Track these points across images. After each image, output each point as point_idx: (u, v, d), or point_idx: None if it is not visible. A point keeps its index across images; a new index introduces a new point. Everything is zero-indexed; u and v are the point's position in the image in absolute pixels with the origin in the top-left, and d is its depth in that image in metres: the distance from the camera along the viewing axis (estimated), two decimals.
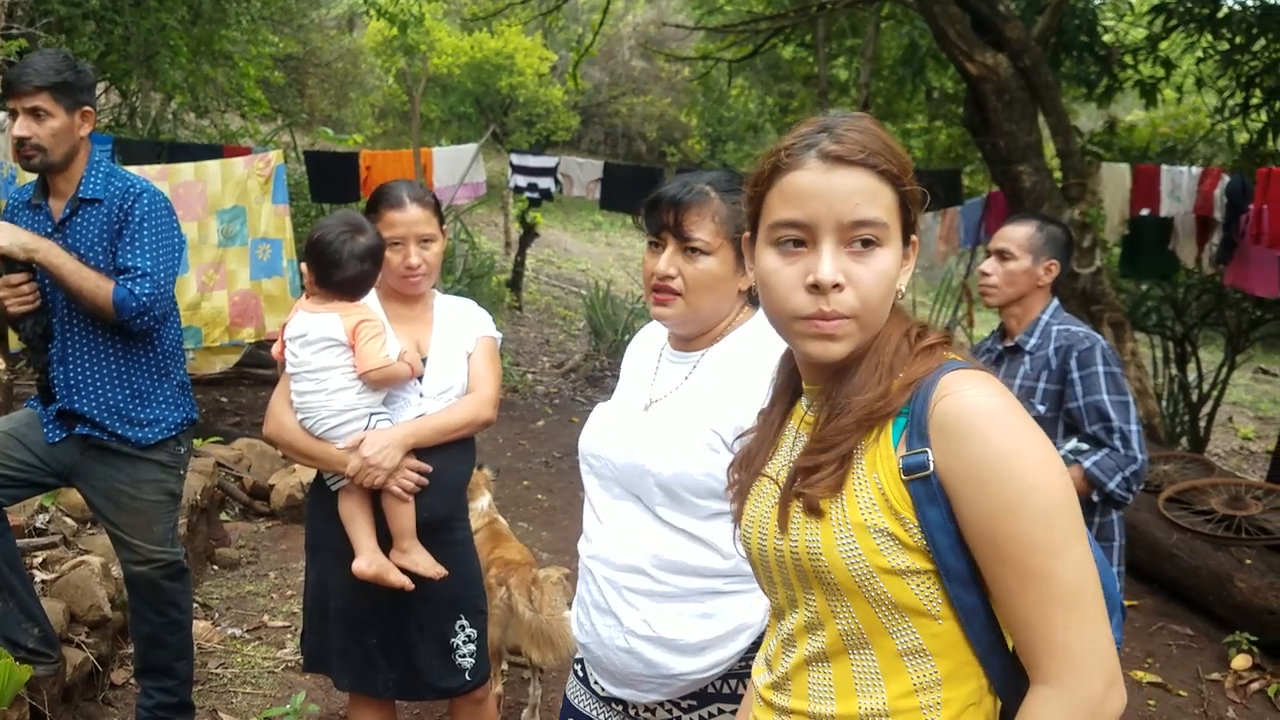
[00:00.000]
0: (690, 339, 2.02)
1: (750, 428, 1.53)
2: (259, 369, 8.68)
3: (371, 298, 2.78)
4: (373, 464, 2.55)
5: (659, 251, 1.94)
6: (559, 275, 17.66)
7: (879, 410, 1.27)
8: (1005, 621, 1.22)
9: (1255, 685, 4.52)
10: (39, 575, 3.71)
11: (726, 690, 1.92)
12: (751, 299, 2.04)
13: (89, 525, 4.31)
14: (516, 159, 9.33)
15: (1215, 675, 4.62)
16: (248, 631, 4.36)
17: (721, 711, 1.93)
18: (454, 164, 8.69)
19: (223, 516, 5.54)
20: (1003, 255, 3.25)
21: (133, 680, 3.68)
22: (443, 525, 2.75)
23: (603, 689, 2.04)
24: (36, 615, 3.19)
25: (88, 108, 3.06)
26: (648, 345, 2.17)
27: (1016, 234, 3.25)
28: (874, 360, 1.29)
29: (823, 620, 1.32)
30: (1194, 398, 9.17)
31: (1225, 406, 10.67)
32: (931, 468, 1.21)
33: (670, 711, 1.97)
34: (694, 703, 1.95)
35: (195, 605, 4.36)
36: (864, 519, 1.24)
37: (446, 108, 18.61)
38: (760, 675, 1.46)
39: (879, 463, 1.25)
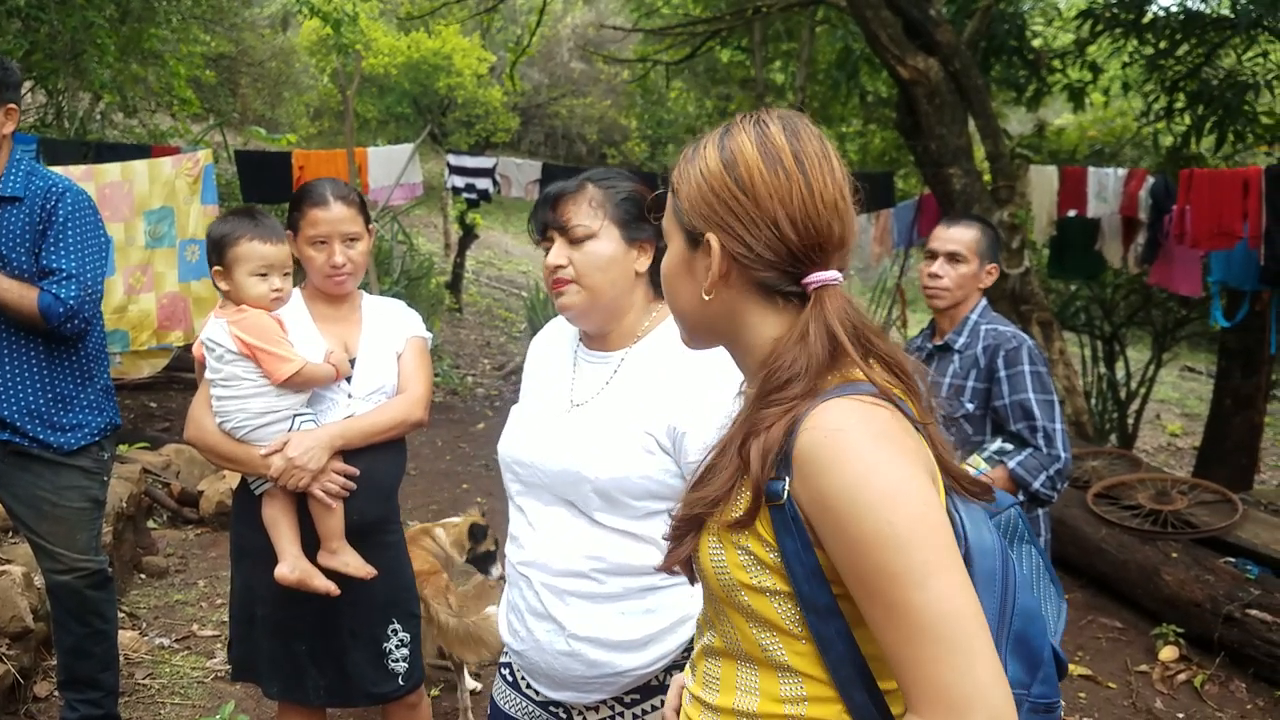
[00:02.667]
0: (603, 335, 2.03)
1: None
2: (188, 373, 8.51)
3: (296, 297, 2.74)
4: (297, 465, 2.49)
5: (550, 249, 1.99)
6: (499, 277, 17.57)
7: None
8: (884, 657, 1.18)
9: (1182, 676, 4.62)
10: None
11: (670, 682, 1.92)
12: (659, 291, 2.06)
13: (10, 534, 4.20)
14: (454, 159, 9.25)
15: (1143, 667, 4.72)
16: (176, 641, 4.27)
17: (664, 703, 1.93)
18: (390, 164, 8.59)
19: (150, 524, 5.42)
20: (954, 258, 3.24)
21: (56, 693, 3.59)
22: (373, 528, 2.70)
23: (539, 694, 2.03)
24: None
25: (11, 105, 2.99)
26: (555, 344, 2.16)
27: (966, 237, 3.25)
28: (732, 436, 1.30)
29: (711, 619, 1.36)
30: (1123, 395, 9.37)
31: (1153, 404, 10.93)
32: (785, 496, 1.20)
33: (613, 708, 1.97)
34: (637, 697, 1.95)
35: (122, 615, 4.26)
36: (731, 535, 1.26)
37: (384, 108, 18.40)
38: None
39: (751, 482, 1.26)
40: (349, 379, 2.67)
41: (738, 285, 1.31)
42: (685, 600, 1.90)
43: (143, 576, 4.89)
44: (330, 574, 2.57)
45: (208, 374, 2.60)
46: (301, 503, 2.60)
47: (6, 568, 3.75)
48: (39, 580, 3.79)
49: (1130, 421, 9.29)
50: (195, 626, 4.41)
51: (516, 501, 2.04)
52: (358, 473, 2.59)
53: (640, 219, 1.98)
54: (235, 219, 2.64)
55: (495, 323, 14.35)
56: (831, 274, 1.28)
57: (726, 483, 1.26)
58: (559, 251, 1.96)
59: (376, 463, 2.65)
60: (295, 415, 2.58)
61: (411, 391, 2.71)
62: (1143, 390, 9.35)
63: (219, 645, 4.23)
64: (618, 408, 1.94)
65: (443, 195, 15.52)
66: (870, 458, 1.16)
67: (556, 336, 2.18)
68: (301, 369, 2.53)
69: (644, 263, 2.00)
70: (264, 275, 2.60)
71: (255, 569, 2.65)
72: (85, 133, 9.17)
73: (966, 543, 1.25)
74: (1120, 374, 9.49)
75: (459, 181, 9.06)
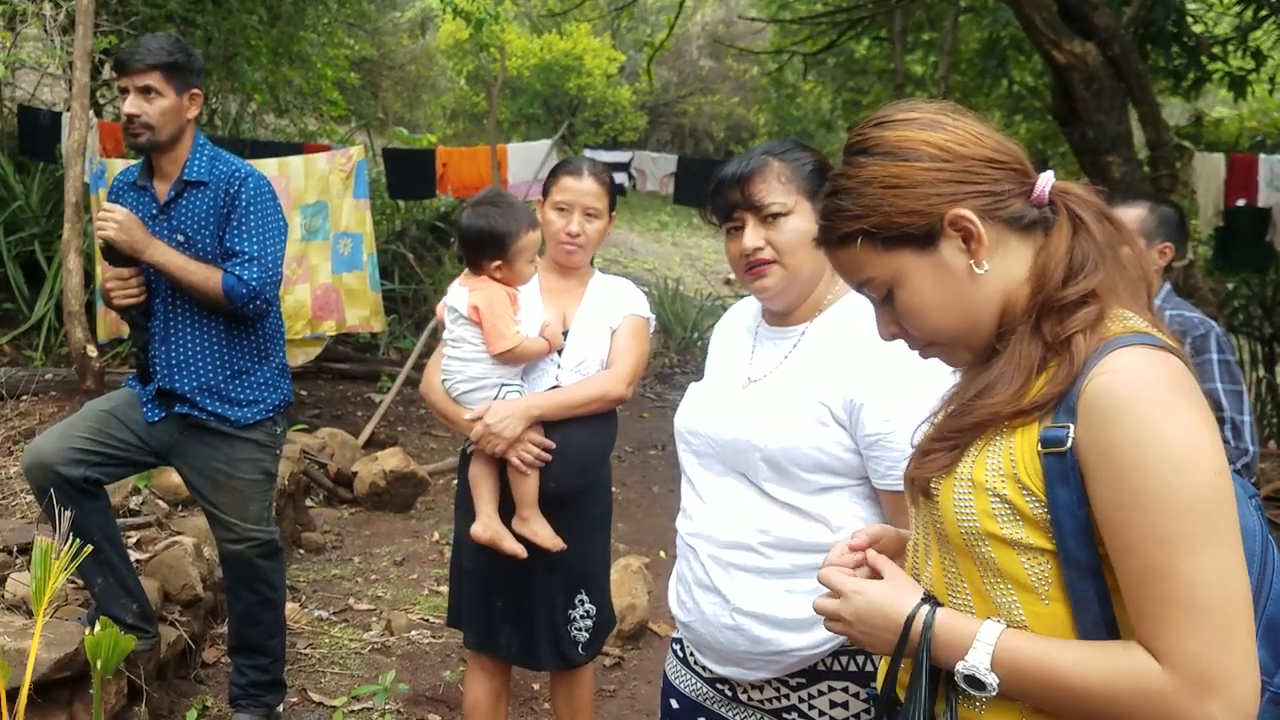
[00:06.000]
0: (788, 312, 1.99)
1: None
2: (337, 364, 8.80)
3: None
4: (493, 432, 2.61)
5: (740, 234, 1.92)
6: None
7: (1002, 415, 1.22)
8: (1131, 618, 1.14)
9: None
10: (134, 554, 3.76)
11: (837, 667, 1.87)
12: None
13: (180, 508, 4.38)
14: (590, 155, 9.34)
15: None
16: (334, 614, 4.39)
17: (831, 689, 1.88)
18: (528, 160, 8.73)
19: (308, 502, 5.61)
20: None
21: (224, 659, 3.73)
22: (572, 498, 2.75)
23: (706, 669, 2.01)
24: (135, 592, 3.25)
25: (196, 91, 3.12)
26: (737, 325, 2.15)
27: (1128, 216, 3.12)
28: (1011, 357, 1.25)
29: (936, 573, 1.31)
30: None
31: None
32: (1069, 444, 1.14)
33: (778, 690, 1.92)
34: (803, 680, 1.90)
35: None
36: (985, 479, 1.20)
37: (515, 109, 18.72)
38: None
39: (1019, 428, 1.21)
40: (560, 351, 2.76)
41: (990, 240, 1.27)
42: None
43: (301, 552, 5.05)
44: (524, 541, 2.66)
45: (445, 334, 2.80)
46: (503, 468, 2.70)
47: (178, 539, 3.90)
48: (209, 551, 3.95)
49: None
50: (352, 601, 4.53)
51: (688, 474, 2.04)
52: (553, 445, 2.66)
53: None
54: (499, 213, 2.75)
55: None
56: (1050, 173, 1.29)
57: (1017, 393, 1.22)
58: (754, 233, 1.89)
59: (576, 435, 2.71)
60: (503, 385, 2.70)
61: (616, 368, 2.77)
62: None
63: (374, 619, 4.34)
64: (794, 380, 1.91)
65: None
66: (1166, 409, 1.11)
67: (739, 317, 2.17)
68: (516, 346, 2.66)
69: None
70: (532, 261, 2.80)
71: (466, 523, 2.77)
72: (239, 133, 9.55)
73: None
74: None
75: None
